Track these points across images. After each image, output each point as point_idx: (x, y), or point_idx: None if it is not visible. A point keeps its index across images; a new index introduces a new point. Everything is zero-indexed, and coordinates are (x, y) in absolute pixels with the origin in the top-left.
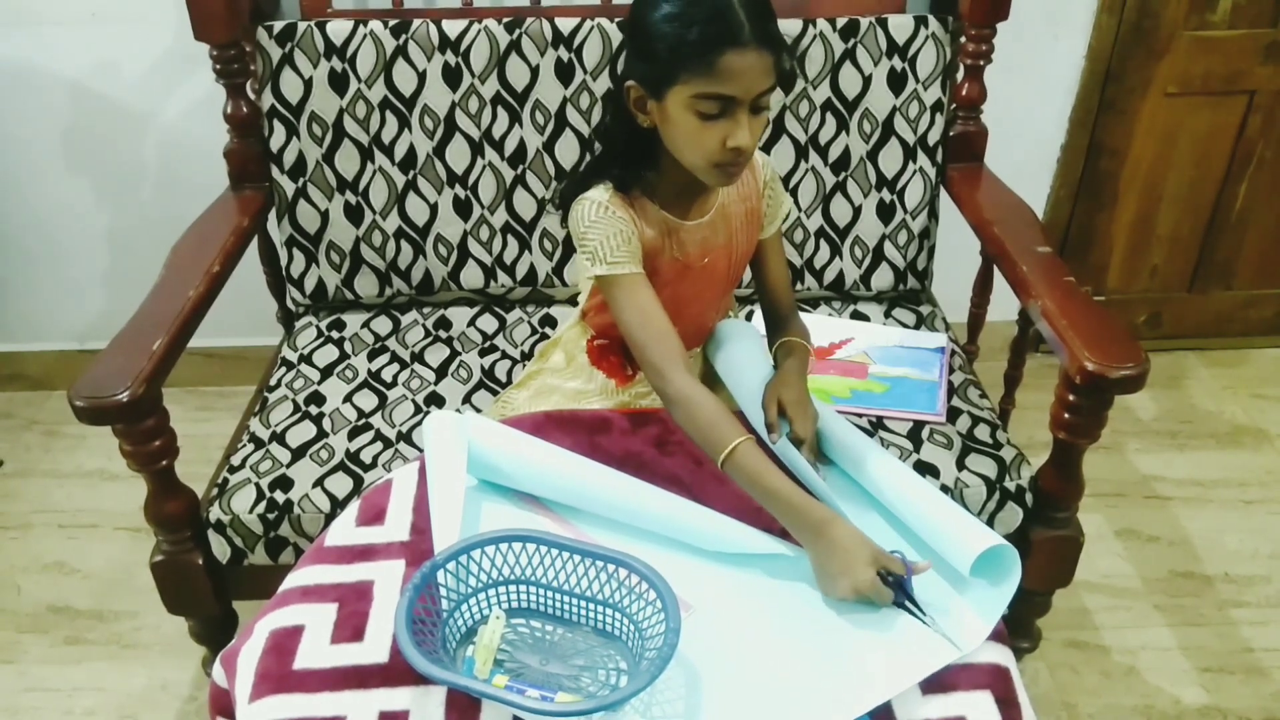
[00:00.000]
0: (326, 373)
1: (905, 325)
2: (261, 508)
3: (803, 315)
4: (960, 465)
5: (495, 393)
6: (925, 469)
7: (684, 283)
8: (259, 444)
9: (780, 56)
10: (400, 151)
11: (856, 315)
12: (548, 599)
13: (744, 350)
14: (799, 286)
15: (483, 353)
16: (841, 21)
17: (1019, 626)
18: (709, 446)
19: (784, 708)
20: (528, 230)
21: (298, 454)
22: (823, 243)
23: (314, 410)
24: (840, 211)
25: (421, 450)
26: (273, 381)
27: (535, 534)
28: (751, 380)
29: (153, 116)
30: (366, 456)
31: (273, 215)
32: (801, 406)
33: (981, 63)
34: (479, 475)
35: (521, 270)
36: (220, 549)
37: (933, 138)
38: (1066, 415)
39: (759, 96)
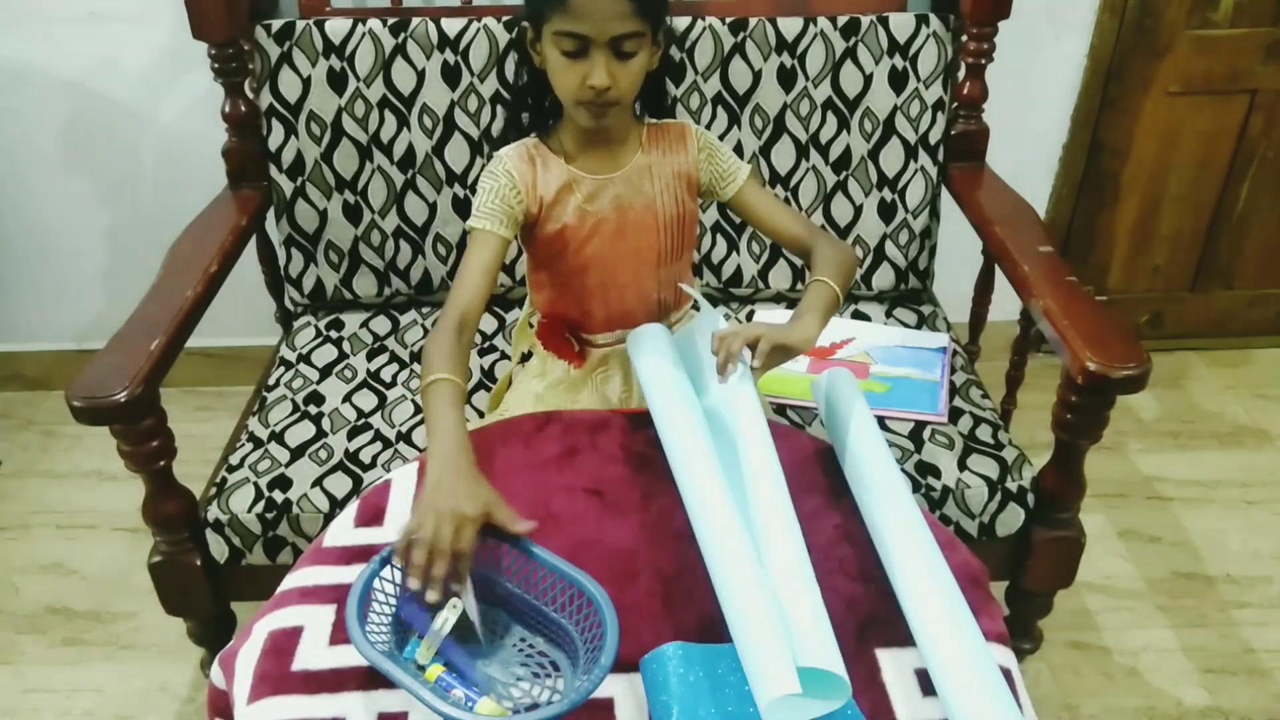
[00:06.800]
0: (325, 372)
1: (907, 325)
2: (260, 507)
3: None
4: (962, 466)
5: None
6: (926, 469)
7: (606, 239)
8: (258, 443)
9: (640, 2)
10: (399, 150)
11: (858, 315)
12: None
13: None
14: (799, 286)
15: (482, 353)
16: (842, 20)
17: (1021, 627)
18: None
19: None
20: None
21: (297, 453)
22: None
23: (313, 410)
24: (841, 211)
25: (421, 450)
26: (271, 381)
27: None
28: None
29: (151, 115)
30: (366, 456)
31: (271, 215)
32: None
33: (983, 61)
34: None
35: (521, 270)
36: (218, 548)
37: (934, 137)
38: (1068, 415)
39: (619, 39)
